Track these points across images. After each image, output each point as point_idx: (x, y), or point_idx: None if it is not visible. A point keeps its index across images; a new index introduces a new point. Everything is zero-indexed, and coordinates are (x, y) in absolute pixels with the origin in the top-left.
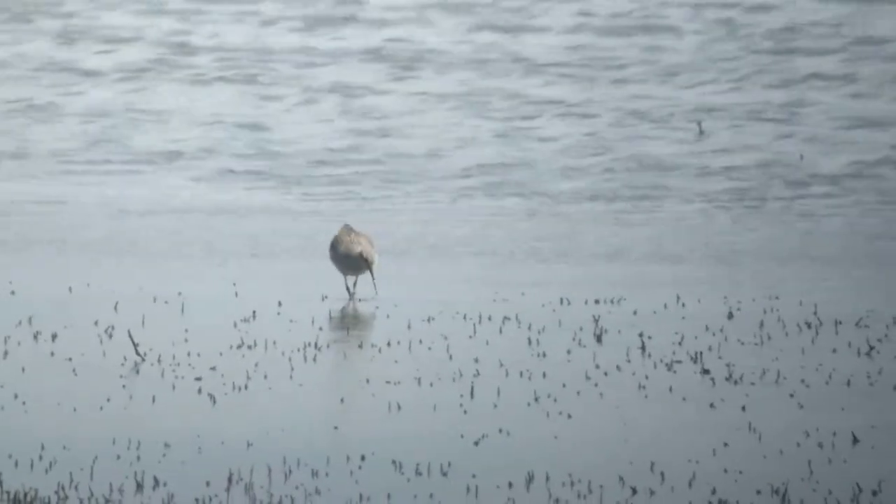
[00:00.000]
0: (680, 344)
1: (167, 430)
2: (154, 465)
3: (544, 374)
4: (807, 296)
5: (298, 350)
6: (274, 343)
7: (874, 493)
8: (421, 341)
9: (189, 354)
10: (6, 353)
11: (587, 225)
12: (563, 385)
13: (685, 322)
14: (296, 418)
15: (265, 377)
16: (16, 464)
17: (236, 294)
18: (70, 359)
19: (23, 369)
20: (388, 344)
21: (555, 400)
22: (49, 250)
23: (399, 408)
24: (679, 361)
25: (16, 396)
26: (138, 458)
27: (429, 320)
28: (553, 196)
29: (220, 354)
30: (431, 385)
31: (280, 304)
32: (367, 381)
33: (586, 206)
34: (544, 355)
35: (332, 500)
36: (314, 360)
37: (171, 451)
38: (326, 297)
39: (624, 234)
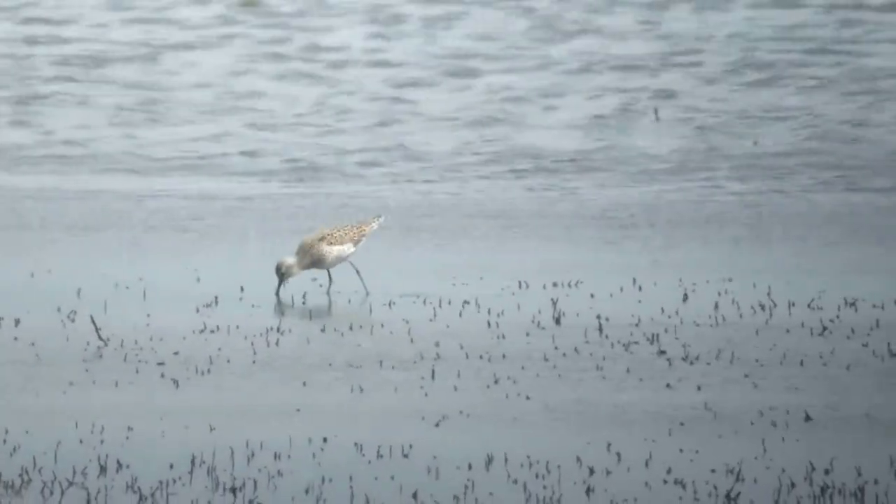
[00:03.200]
0: (637, 325)
1: (130, 413)
2: (117, 448)
3: (504, 356)
4: (760, 277)
5: (261, 334)
6: (237, 327)
7: (826, 472)
8: (383, 325)
9: (152, 339)
10: None
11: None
12: (522, 367)
13: (641, 305)
14: (258, 401)
15: (228, 361)
16: None
17: (198, 279)
18: (33, 343)
19: None
20: (350, 328)
21: (514, 381)
22: (11, 235)
23: (361, 390)
24: (636, 343)
25: None
26: (102, 441)
27: (390, 305)
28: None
29: (183, 339)
30: (393, 368)
31: (242, 289)
32: (330, 364)
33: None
34: (503, 338)
35: (294, 483)
36: (277, 344)
37: (135, 434)
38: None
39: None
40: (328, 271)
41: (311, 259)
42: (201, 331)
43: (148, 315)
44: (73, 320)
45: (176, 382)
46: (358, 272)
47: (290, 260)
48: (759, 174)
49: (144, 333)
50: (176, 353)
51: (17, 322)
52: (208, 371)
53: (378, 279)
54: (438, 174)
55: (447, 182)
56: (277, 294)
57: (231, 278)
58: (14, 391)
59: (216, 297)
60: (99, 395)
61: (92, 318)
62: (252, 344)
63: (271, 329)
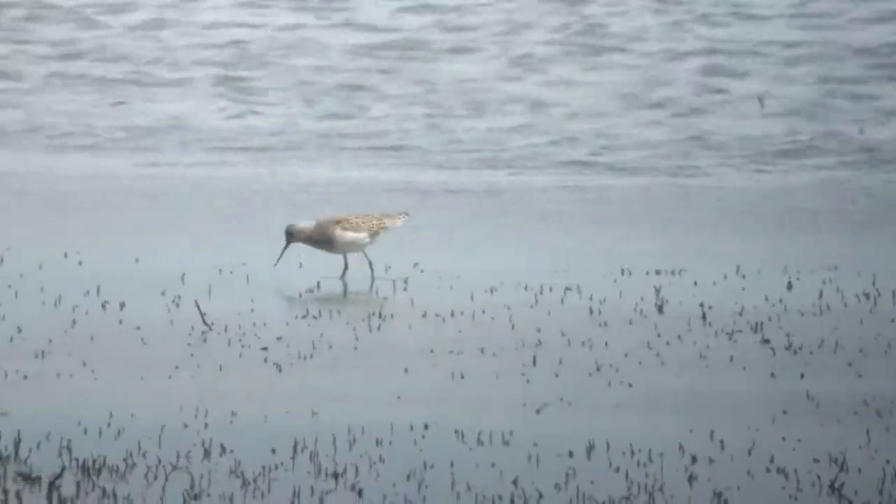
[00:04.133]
0: (740, 314)
1: (234, 398)
2: (221, 432)
3: (606, 344)
4: (865, 266)
5: (363, 320)
6: (339, 313)
7: None
8: (484, 311)
9: (255, 324)
10: (75, 321)
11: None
12: (625, 354)
13: (745, 293)
14: (360, 387)
15: (330, 347)
16: (85, 431)
17: (301, 265)
18: (138, 328)
19: (91, 338)
20: (452, 314)
21: (616, 369)
22: (115, 220)
23: (462, 377)
24: (739, 331)
25: (84, 364)
26: (206, 425)
27: (491, 291)
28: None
29: (286, 324)
30: (494, 355)
31: (419, 264)
32: (431, 350)
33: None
34: (606, 325)
35: (395, 469)
36: (378, 329)
37: (238, 419)
38: (390, 267)
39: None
40: (344, 257)
41: (322, 237)
42: (304, 316)
43: (251, 300)
44: (177, 305)
45: (279, 367)
46: (370, 264)
47: (302, 225)
48: (869, 162)
49: (248, 318)
50: (279, 339)
51: (122, 306)
52: (311, 356)
53: (479, 265)
54: (543, 161)
55: (546, 169)
56: (277, 261)
57: (333, 264)
58: (119, 375)
59: (318, 283)
60: (203, 379)
61: (196, 302)
62: (354, 329)
63: (373, 315)
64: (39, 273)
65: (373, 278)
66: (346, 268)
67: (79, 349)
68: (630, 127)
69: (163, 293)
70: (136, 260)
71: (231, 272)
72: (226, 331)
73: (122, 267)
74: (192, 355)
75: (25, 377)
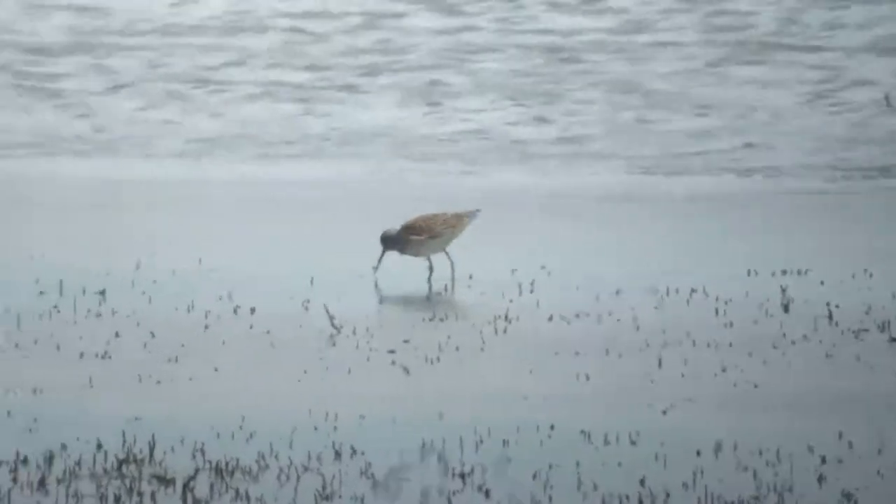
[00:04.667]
0: (867, 313)
1: (363, 400)
2: (351, 434)
3: (731, 344)
4: None
5: (489, 322)
6: (465, 316)
7: None
8: (610, 314)
9: (382, 327)
10: (207, 326)
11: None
12: (750, 354)
13: (872, 292)
14: (486, 389)
15: (456, 349)
16: (217, 434)
17: (430, 267)
18: (268, 332)
19: (223, 342)
20: (577, 316)
21: (742, 370)
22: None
23: (587, 378)
24: (866, 330)
25: (216, 369)
26: (335, 428)
27: (617, 293)
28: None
29: (413, 327)
30: (620, 356)
31: (471, 276)
32: (556, 352)
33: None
34: (731, 325)
35: (522, 468)
36: (504, 332)
37: (367, 421)
38: (516, 270)
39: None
40: (428, 259)
41: (398, 243)
42: (430, 319)
43: (379, 303)
44: (306, 309)
45: (406, 370)
46: (451, 265)
47: (389, 232)
48: None
49: (375, 321)
50: (406, 342)
51: (253, 311)
52: (437, 359)
53: (605, 267)
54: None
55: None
56: (377, 267)
57: (460, 265)
58: (251, 378)
59: (445, 286)
60: (332, 382)
61: (325, 306)
62: (480, 332)
63: (499, 318)
64: (173, 279)
65: (452, 279)
66: (431, 270)
67: (211, 353)
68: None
69: (291, 297)
70: (266, 264)
71: (361, 276)
72: (354, 334)
73: (254, 272)
74: (320, 358)
75: (159, 382)
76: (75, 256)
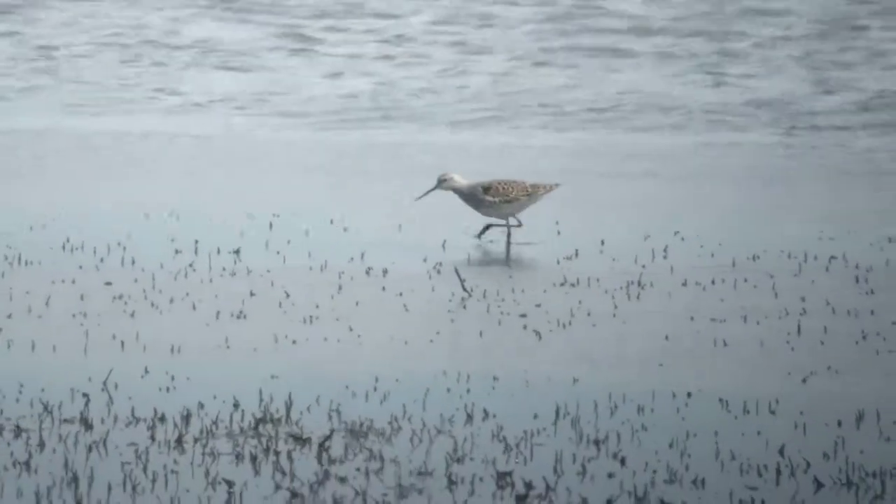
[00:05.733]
0: None
1: (495, 364)
2: (483, 397)
3: (872, 312)
4: None
5: (621, 288)
6: (597, 280)
7: None
8: (745, 279)
9: (514, 291)
10: (340, 287)
11: None
12: (893, 323)
13: None
14: (620, 355)
15: (588, 314)
16: (353, 395)
17: (559, 232)
18: (401, 293)
19: (356, 303)
20: (713, 282)
21: (884, 338)
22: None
23: (725, 344)
24: None
25: (350, 329)
26: (468, 390)
27: (754, 258)
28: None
29: (544, 291)
30: (757, 323)
31: (603, 242)
32: (692, 318)
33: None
34: (872, 293)
35: (658, 436)
36: (637, 297)
37: (499, 384)
38: (649, 236)
39: None
40: (507, 221)
41: (469, 197)
42: (562, 284)
43: (509, 267)
44: (438, 272)
45: (538, 334)
46: (509, 230)
47: (458, 178)
48: None
49: (506, 285)
50: (538, 306)
51: (385, 272)
52: (569, 323)
53: (741, 232)
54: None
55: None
56: (420, 197)
57: (591, 230)
58: (383, 340)
59: (577, 250)
60: (464, 345)
61: (456, 269)
62: (613, 297)
63: (632, 283)
64: (306, 239)
65: (509, 243)
66: (509, 230)
67: (345, 315)
68: None
69: (424, 259)
70: (399, 227)
71: (491, 241)
72: (485, 297)
73: (387, 234)
74: (452, 321)
75: (294, 342)
76: (210, 215)
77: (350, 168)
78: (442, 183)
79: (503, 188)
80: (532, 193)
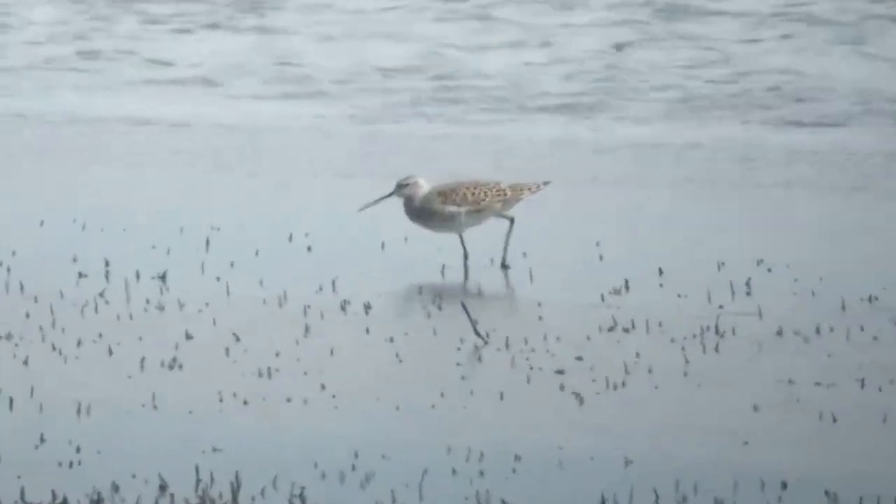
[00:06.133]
0: None
1: (518, 438)
2: (501, 483)
3: None
4: None
5: (693, 336)
6: (659, 325)
7: None
8: (862, 328)
9: (546, 337)
10: (307, 328)
11: None
12: None
13: None
14: (692, 428)
15: (648, 371)
16: (322, 476)
17: (601, 257)
18: (390, 339)
19: (331, 351)
20: (817, 331)
21: None
22: None
23: (834, 419)
24: None
25: (322, 387)
26: (481, 473)
27: (870, 300)
28: None
29: (587, 339)
30: (879, 389)
31: (661, 272)
32: (789, 381)
33: None
34: None
35: None
36: (715, 349)
37: (524, 466)
38: (723, 264)
39: None
40: (460, 238)
41: (419, 207)
42: (611, 328)
43: (539, 305)
44: (440, 308)
45: (579, 398)
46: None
47: (424, 182)
48: None
49: (536, 329)
50: (579, 359)
51: (368, 308)
52: (622, 384)
53: (850, 261)
54: None
55: None
56: (365, 206)
57: (645, 256)
58: (366, 402)
59: (626, 281)
60: (477, 410)
61: (465, 305)
62: (682, 348)
63: (707, 329)
64: (256, 261)
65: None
66: (466, 255)
67: (313, 366)
68: None
69: (420, 290)
70: (383, 245)
71: (508, 266)
72: (507, 345)
73: (367, 254)
74: (461, 378)
75: (245, 402)
76: (127, 226)
77: (328, 162)
78: (401, 189)
79: (471, 193)
80: (510, 198)
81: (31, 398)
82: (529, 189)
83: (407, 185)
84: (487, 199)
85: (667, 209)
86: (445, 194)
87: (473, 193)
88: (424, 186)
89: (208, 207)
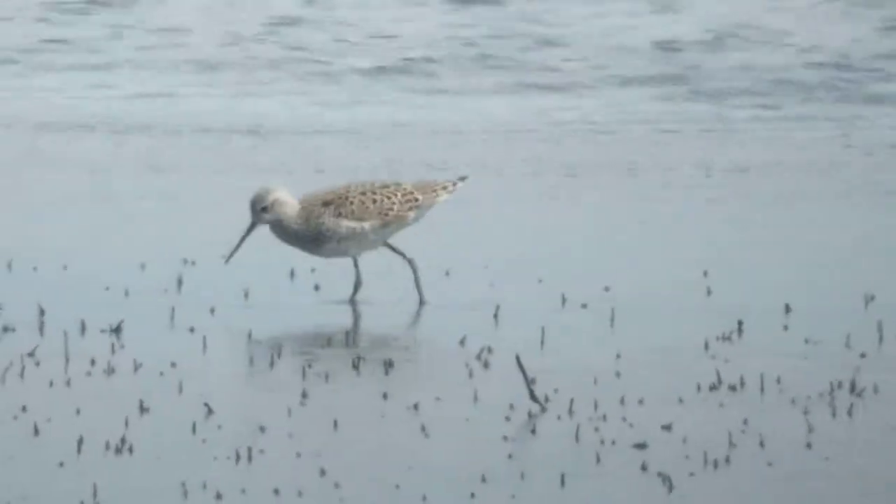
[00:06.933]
0: None
1: None
2: None
3: None
4: None
5: (822, 395)
6: (777, 381)
7: None
8: None
9: (623, 401)
10: (305, 393)
11: None
12: None
13: None
14: None
15: (761, 444)
16: None
17: (708, 291)
18: (414, 405)
19: (333, 424)
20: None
21: None
22: None
23: None
24: None
25: (322, 472)
26: None
27: None
28: None
29: (680, 401)
30: None
31: (789, 308)
32: None
33: None
34: None
35: None
36: (848, 413)
37: None
38: (872, 297)
39: None
40: (354, 262)
41: (304, 225)
42: (713, 386)
43: (617, 356)
44: (485, 364)
45: (667, 482)
46: (414, 272)
47: (284, 197)
48: None
49: (610, 389)
50: (666, 428)
51: (389, 366)
52: (726, 460)
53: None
54: None
55: None
56: (230, 255)
57: (767, 289)
58: (383, 493)
59: (740, 323)
60: (532, 496)
61: (519, 359)
62: (805, 413)
63: (840, 386)
64: (243, 304)
65: (417, 283)
66: (358, 284)
67: (313, 444)
68: None
69: (462, 341)
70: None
71: (584, 305)
72: (570, 412)
73: (387, 293)
74: (510, 457)
75: (218, 496)
76: (69, 262)
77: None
78: (261, 214)
79: (369, 201)
80: (423, 203)
81: None
82: (444, 188)
83: (266, 206)
84: (395, 208)
85: (801, 223)
86: (335, 204)
87: (375, 200)
88: (290, 200)
89: (181, 232)
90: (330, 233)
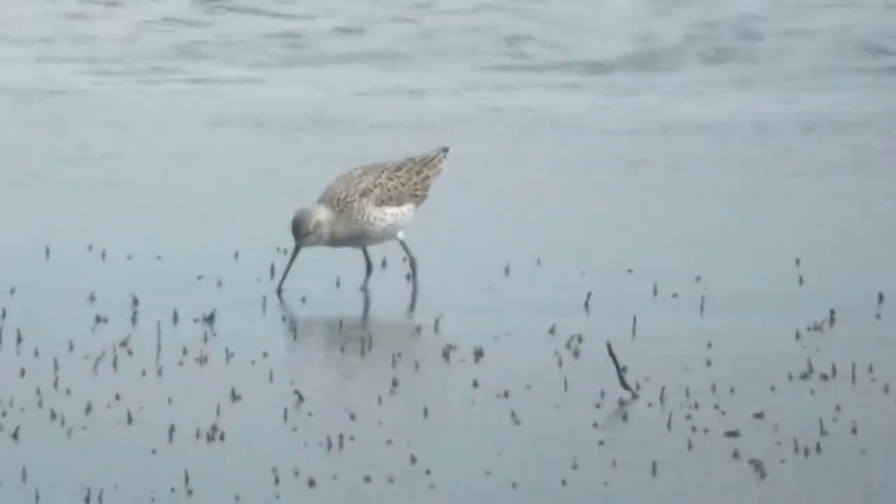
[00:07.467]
0: None
1: None
2: None
3: None
4: None
5: None
6: (870, 369)
7: None
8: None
9: (714, 389)
10: (395, 381)
11: None
12: None
13: None
14: None
15: (853, 431)
16: None
17: (800, 280)
18: (504, 393)
19: (424, 412)
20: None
21: None
22: None
23: None
24: None
25: (413, 460)
26: None
27: None
28: None
29: (772, 390)
30: None
31: (882, 297)
32: None
33: None
34: None
35: None
36: None
37: None
38: None
39: None
40: (364, 251)
41: (348, 226)
42: (804, 375)
43: (709, 345)
44: (576, 353)
45: (759, 469)
46: (412, 265)
47: (323, 216)
48: None
49: (701, 376)
50: (758, 416)
51: (479, 354)
52: (816, 448)
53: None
54: None
55: None
56: (280, 286)
57: (861, 277)
58: (468, 476)
59: (832, 312)
60: (621, 487)
61: (610, 347)
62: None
63: None
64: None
65: (414, 280)
66: (369, 271)
67: (405, 430)
68: None
69: (552, 329)
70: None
71: (675, 295)
72: (662, 400)
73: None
74: (601, 443)
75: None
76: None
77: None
78: (307, 238)
79: (402, 183)
80: (429, 176)
81: (23, 484)
82: (440, 160)
83: (310, 232)
84: (420, 187)
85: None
86: (375, 194)
87: (403, 183)
88: (326, 215)
89: (274, 221)
90: (378, 222)
